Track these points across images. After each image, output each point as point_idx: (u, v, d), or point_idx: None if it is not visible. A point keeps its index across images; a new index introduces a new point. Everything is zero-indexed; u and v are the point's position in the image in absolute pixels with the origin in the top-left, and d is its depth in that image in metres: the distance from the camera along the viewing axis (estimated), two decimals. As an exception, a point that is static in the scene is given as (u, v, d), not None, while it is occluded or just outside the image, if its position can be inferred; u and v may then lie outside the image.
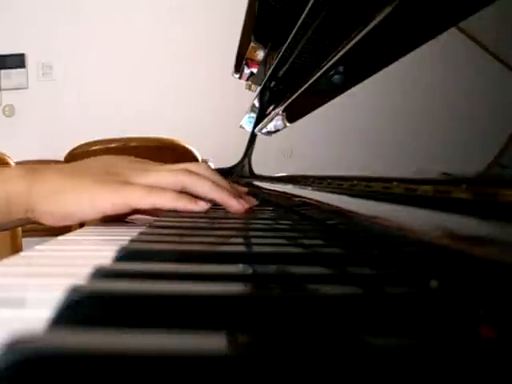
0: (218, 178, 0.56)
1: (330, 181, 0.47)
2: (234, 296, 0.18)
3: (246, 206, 0.55)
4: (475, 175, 0.23)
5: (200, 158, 1.70)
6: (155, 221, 0.51)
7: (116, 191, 0.48)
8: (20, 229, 1.50)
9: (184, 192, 0.52)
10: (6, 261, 0.30)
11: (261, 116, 1.18)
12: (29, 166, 0.53)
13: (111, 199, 0.48)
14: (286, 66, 0.83)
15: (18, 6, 2.97)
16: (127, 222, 0.56)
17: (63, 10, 2.97)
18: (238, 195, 0.56)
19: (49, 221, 0.50)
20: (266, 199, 0.75)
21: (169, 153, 1.61)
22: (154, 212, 0.57)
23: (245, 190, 0.66)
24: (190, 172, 0.53)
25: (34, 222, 0.61)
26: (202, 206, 0.51)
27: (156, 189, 0.49)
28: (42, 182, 0.50)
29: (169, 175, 0.52)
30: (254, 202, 0.59)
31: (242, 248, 0.34)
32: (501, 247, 0.16)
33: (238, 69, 1.20)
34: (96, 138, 1.65)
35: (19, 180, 0.50)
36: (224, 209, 0.55)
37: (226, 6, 2.71)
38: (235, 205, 0.54)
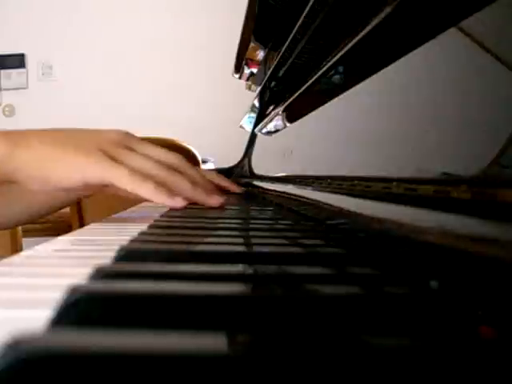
0: (194, 172, 0.60)
1: (329, 181, 0.47)
2: (234, 296, 0.18)
3: (221, 200, 0.60)
4: (475, 175, 0.23)
5: (200, 158, 1.70)
6: (155, 221, 0.51)
7: (106, 169, 0.51)
8: (20, 229, 1.50)
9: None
10: (6, 261, 0.30)
11: (261, 116, 1.18)
12: (8, 130, 0.54)
13: (101, 176, 0.51)
14: (286, 66, 0.83)
15: (18, 6, 2.96)
16: (127, 222, 0.57)
17: (63, 10, 2.97)
18: (212, 188, 0.62)
19: (30, 184, 0.52)
20: (266, 199, 0.75)
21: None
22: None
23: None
24: (171, 168, 0.56)
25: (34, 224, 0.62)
26: (179, 202, 0.53)
27: (139, 177, 0.51)
28: (26, 147, 0.51)
29: (153, 166, 0.54)
30: (223, 198, 0.63)
31: (242, 248, 0.34)
32: (501, 247, 0.16)
33: (238, 69, 1.20)
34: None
35: (0, 144, 0.51)
36: (227, 209, 0.59)
37: (226, 6, 2.71)
38: (211, 202, 0.59)
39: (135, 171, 0.52)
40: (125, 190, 0.51)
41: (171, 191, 0.54)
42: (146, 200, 0.57)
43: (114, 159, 0.52)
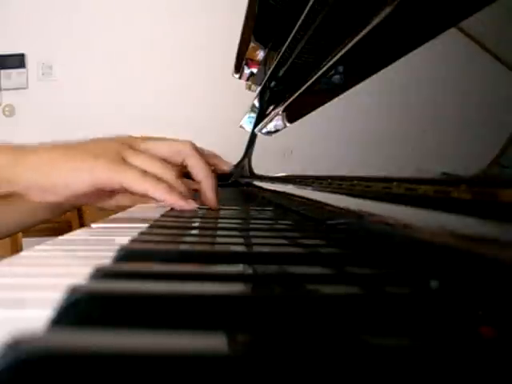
0: (202, 164, 0.58)
1: (329, 181, 0.47)
2: (234, 296, 0.18)
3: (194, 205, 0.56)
4: (475, 175, 0.23)
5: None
6: (155, 221, 0.51)
7: (115, 168, 0.49)
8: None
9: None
10: (6, 261, 0.30)
11: (261, 116, 1.18)
12: (17, 144, 0.52)
13: (109, 175, 0.49)
14: (286, 66, 0.83)
15: (18, 6, 2.96)
16: (127, 222, 0.56)
17: (64, 10, 2.97)
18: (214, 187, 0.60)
19: (34, 194, 0.50)
20: (266, 199, 0.75)
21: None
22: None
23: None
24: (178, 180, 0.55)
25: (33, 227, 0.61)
26: (191, 205, 0.53)
27: (152, 177, 0.50)
28: (33, 154, 0.50)
29: (161, 168, 0.53)
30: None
31: (242, 248, 0.34)
32: (501, 247, 0.16)
33: (238, 69, 1.20)
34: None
35: (6, 153, 0.50)
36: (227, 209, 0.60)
37: (226, 6, 2.71)
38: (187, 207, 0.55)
39: (146, 173, 0.50)
40: (137, 190, 0.50)
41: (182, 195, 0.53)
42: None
43: (122, 160, 0.51)
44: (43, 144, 0.52)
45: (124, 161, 0.51)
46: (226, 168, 0.71)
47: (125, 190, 0.52)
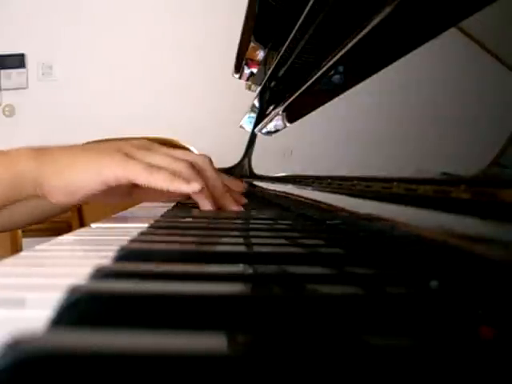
0: (214, 174, 0.59)
1: (329, 181, 0.47)
2: (234, 296, 0.18)
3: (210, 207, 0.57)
4: (475, 175, 0.23)
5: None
6: (155, 221, 0.51)
7: (120, 164, 0.51)
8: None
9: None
10: (6, 261, 0.30)
11: (261, 116, 1.17)
12: (37, 146, 0.56)
13: (115, 171, 0.51)
14: (286, 66, 0.83)
15: (17, 6, 2.96)
16: (127, 222, 0.56)
17: (63, 10, 2.97)
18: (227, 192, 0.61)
19: (56, 196, 0.53)
20: (265, 199, 0.75)
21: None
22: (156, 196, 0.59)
23: (241, 187, 0.70)
24: (189, 166, 0.55)
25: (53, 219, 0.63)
26: (194, 187, 0.53)
27: (154, 168, 0.52)
28: (52, 159, 0.53)
29: (170, 161, 0.54)
30: (244, 200, 0.64)
31: (242, 248, 0.34)
32: (501, 247, 0.16)
33: (238, 69, 1.20)
34: (96, 138, 1.64)
35: (29, 158, 0.53)
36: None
37: (225, 6, 2.71)
38: (206, 206, 0.57)
39: (150, 165, 0.52)
40: (141, 181, 0.51)
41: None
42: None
43: (127, 156, 0.53)
44: (59, 146, 0.56)
45: (131, 156, 0.53)
46: (240, 189, 0.72)
47: (134, 185, 0.54)
